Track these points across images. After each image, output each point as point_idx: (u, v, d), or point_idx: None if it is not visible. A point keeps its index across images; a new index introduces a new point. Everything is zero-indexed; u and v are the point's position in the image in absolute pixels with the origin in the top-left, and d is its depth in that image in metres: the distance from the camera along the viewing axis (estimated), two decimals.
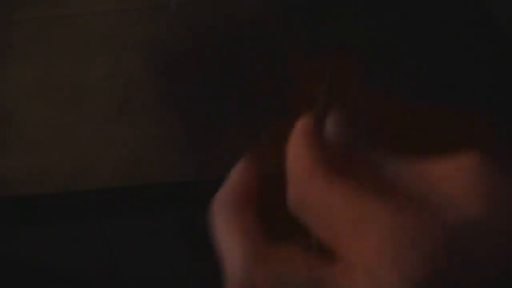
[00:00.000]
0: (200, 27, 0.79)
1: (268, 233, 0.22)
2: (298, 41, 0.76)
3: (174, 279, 0.82)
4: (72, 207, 0.64)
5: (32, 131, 0.66)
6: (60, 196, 0.61)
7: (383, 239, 0.19)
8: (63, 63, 0.74)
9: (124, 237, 0.76)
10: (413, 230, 0.19)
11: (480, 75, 0.71)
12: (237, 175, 0.25)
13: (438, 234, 0.18)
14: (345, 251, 0.20)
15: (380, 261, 0.18)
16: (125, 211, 0.65)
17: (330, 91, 0.27)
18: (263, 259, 0.21)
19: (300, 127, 0.24)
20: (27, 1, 0.84)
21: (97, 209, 0.64)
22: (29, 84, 0.72)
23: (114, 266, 0.81)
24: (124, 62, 0.74)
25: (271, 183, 0.24)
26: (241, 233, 0.22)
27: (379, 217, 0.19)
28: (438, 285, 0.18)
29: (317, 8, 0.81)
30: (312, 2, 0.81)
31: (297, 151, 0.23)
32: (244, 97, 0.69)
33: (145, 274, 0.83)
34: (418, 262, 0.18)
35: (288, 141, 0.24)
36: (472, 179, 0.20)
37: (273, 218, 0.23)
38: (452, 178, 0.21)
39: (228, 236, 0.22)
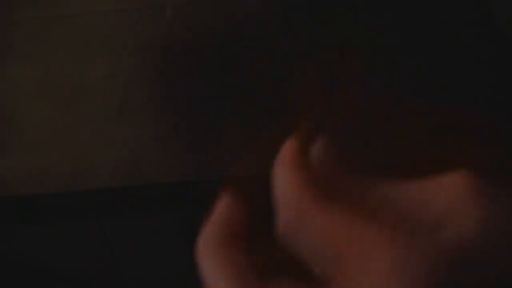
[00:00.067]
0: (200, 27, 0.79)
1: (258, 268, 0.22)
2: (298, 41, 0.76)
3: (174, 279, 0.82)
4: (72, 207, 0.64)
5: (32, 131, 0.66)
6: (60, 196, 0.61)
7: (380, 265, 0.19)
8: (63, 63, 0.74)
9: (124, 237, 0.76)
10: (408, 252, 0.19)
11: (480, 75, 0.71)
12: (223, 210, 0.24)
13: (433, 254, 0.18)
14: (342, 278, 0.19)
15: (379, 286, 0.18)
16: (125, 211, 0.65)
17: (317, 116, 0.27)
18: None
19: (286, 153, 0.24)
20: (27, 1, 0.84)
21: (97, 209, 0.64)
22: (29, 84, 0.72)
23: (114, 266, 0.81)
24: (124, 62, 0.74)
25: (258, 217, 0.24)
26: (229, 269, 0.22)
27: (374, 242, 0.19)
28: None
29: (317, 8, 0.81)
30: (312, 2, 0.82)
31: (284, 178, 0.23)
32: (244, 97, 0.69)
33: (145, 274, 0.83)
34: (415, 284, 0.18)
35: (274, 169, 0.24)
36: (462, 197, 0.20)
37: (262, 252, 0.23)
38: (442, 197, 0.21)
39: (215, 273, 0.22)
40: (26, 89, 0.71)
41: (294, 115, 0.66)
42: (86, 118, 0.67)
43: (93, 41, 0.77)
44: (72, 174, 0.62)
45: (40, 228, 0.73)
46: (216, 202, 0.25)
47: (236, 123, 0.66)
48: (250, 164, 0.61)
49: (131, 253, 0.79)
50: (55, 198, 0.62)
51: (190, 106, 0.68)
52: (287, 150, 0.24)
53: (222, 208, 0.24)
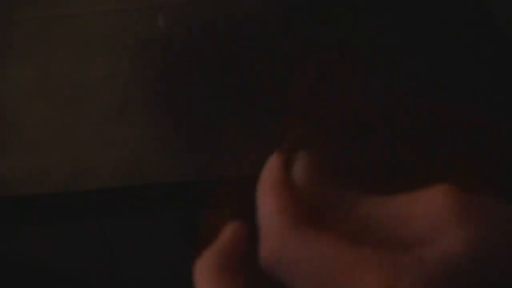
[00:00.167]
0: (200, 27, 0.79)
1: None
2: (298, 41, 0.76)
3: (174, 279, 0.82)
4: (72, 207, 0.64)
5: (32, 131, 0.66)
6: (60, 196, 0.61)
7: None
8: (63, 63, 0.74)
9: (124, 237, 0.76)
10: (395, 275, 0.18)
11: (480, 75, 0.71)
12: (224, 235, 0.24)
13: (420, 275, 0.18)
14: None
15: None
16: (125, 211, 0.65)
17: (299, 137, 0.27)
18: None
19: (270, 171, 0.24)
20: (27, 1, 0.84)
21: (97, 209, 0.64)
22: (29, 84, 0.72)
23: (114, 266, 0.81)
24: (124, 62, 0.74)
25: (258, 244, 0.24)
26: None
27: (360, 266, 0.19)
28: None
29: (317, 8, 0.81)
30: (312, 2, 0.82)
31: (266, 200, 0.23)
32: (244, 97, 0.69)
33: (145, 274, 0.83)
34: None
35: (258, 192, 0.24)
36: (447, 212, 0.20)
37: (261, 280, 0.23)
38: (427, 212, 0.20)
39: None
40: (26, 89, 0.71)
41: (294, 115, 0.66)
42: (86, 118, 0.67)
43: (93, 41, 0.77)
44: (72, 174, 0.62)
45: (40, 228, 0.73)
46: (219, 220, 0.25)
47: (236, 123, 0.66)
48: (250, 164, 0.61)
49: (131, 253, 0.79)
50: (55, 198, 0.62)
51: (190, 106, 0.68)
52: (271, 168, 0.24)
53: (224, 233, 0.24)
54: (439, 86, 0.69)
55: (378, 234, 0.21)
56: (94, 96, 0.70)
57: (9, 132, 0.66)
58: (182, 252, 0.77)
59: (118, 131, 0.66)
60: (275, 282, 0.21)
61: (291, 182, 0.24)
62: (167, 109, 0.68)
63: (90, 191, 0.61)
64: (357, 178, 0.24)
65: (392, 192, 0.23)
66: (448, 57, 0.73)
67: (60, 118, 0.68)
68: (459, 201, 0.20)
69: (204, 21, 0.79)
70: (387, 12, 0.80)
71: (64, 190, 0.61)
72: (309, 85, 0.69)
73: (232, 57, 0.74)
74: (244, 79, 0.71)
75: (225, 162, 0.62)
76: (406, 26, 0.78)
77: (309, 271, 0.20)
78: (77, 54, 0.76)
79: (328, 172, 0.24)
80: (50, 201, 0.62)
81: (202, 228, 0.72)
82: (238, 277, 0.23)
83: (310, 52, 0.74)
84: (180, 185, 0.62)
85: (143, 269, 0.82)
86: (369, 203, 0.22)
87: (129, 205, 0.64)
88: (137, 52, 0.76)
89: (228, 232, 0.25)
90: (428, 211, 0.20)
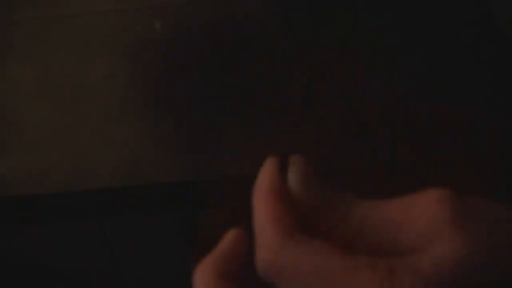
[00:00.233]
0: (200, 27, 0.79)
1: None
2: (298, 41, 0.76)
3: (174, 279, 0.82)
4: (72, 207, 0.64)
5: (32, 131, 0.66)
6: (60, 196, 0.61)
7: None
8: (63, 63, 0.74)
9: (124, 237, 0.76)
10: (389, 282, 0.18)
11: (480, 75, 0.71)
12: (224, 242, 0.25)
13: (414, 281, 0.18)
14: None
15: None
16: (125, 211, 0.65)
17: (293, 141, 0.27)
18: None
19: (264, 177, 0.24)
20: (27, 1, 0.84)
21: (97, 209, 0.64)
22: (29, 84, 0.72)
23: (114, 266, 0.81)
24: (124, 62, 0.74)
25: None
26: None
27: (355, 273, 0.19)
28: None
29: (317, 8, 0.81)
30: (312, 2, 0.82)
31: (261, 208, 0.23)
32: (244, 97, 0.69)
33: (145, 274, 0.83)
34: None
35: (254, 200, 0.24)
36: (441, 217, 0.20)
37: (261, 286, 0.23)
38: (421, 217, 0.20)
39: None
40: (26, 89, 0.71)
41: (294, 115, 0.66)
42: (86, 118, 0.67)
43: (93, 41, 0.77)
44: (72, 174, 0.62)
45: (40, 228, 0.73)
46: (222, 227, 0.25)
47: (236, 123, 0.66)
48: (250, 164, 0.61)
49: (131, 253, 0.79)
50: (55, 198, 0.62)
51: (190, 106, 0.68)
52: (265, 173, 0.24)
53: (224, 239, 0.25)
54: (439, 86, 0.69)
55: (372, 238, 0.21)
56: (94, 96, 0.70)
57: (9, 132, 0.66)
58: (182, 252, 0.77)
59: (118, 131, 0.66)
60: None
61: (285, 187, 0.24)
62: (167, 109, 0.68)
63: (90, 191, 0.61)
64: (355, 179, 0.24)
65: (391, 192, 0.23)
66: (448, 57, 0.73)
67: (60, 118, 0.68)
68: (453, 206, 0.20)
69: (204, 21, 0.79)
70: (387, 12, 0.80)
71: (64, 190, 0.61)
72: (309, 85, 0.69)
73: (232, 57, 0.74)
74: (244, 79, 0.71)
75: (225, 162, 0.62)
76: (406, 26, 0.78)
77: (304, 280, 0.20)
78: (77, 54, 0.76)
79: (323, 175, 0.24)
80: (50, 201, 0.62)
81: (202, 228, 0.72)
82: (237, 284, 0.23)
83: (310, 52, 0.74)
84: (180, 185, 0.62)
85: (143, 269, 0.82)
86: (363, 207, 0.22)
87: (129, 205, 0.64)
88: (137, 52, 0.76)
89: (228, 238, 0.25)
90: (422, 216, 0.20)
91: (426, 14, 0.79)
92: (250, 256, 0.23)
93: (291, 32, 0.77)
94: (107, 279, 0.83)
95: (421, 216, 0.20)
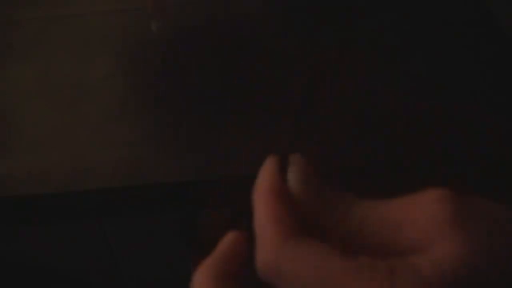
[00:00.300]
0: (200, 27, 0.79)
1: None
2: (298, 41, 0.76)
3: (174, 279, 0.82)
4: (72, 207, 0.64)
5: (32, 131, 0.66)
6: (60, 196, 0.61)
7: None
8: (63, 63, 0.74)
9: (124, 237, 0.76)
10: (389, 283, 0.18)
11: (480, 75, 0.71)
12: (223, 245, 0.25)
13: (414, 282, 0.18)
14: None
15: None
16: (125, 211, 0.65)
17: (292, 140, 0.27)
18: None
19: (264, 177, 0.24)
20: (27, 1, 0.84)
21: (97, 209, 0.64)
22: (29, 84, 0.72)
23: (114, 266, 0.81)
24: (124, 62, 0.74)
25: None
26: None
27: (354, 274, 0.19)
28: None
29: (317, 8, 0.81)
30: (312, 2, 0.82)
31: (261, 213, 0.23)
32: (244, 97, 0.69)
33: (145, 274, 0.83)
34: None
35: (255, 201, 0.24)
36: (440, 218, 0.20)
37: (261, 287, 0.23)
38: (421, 217, 0.20)
39: None
40: (26, 89, 0.71)
41: (293, 114, 0.66)
42: (86, 118, 0.67)
43: (93, 41, 0.77)
44: (72, 174, 0.62)
45: (40, 228, 0.73)
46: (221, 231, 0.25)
47: (236, 123, 0.66)
48: (250, 164, 0.61)
49: (131, 253, 0.79)
50: (55, 198, 0.62)
51: (190, 106, 0.68)
52: (265, 173, 0.24)
53: (223, 242, 0.25)
54: (439, 86, 0.69)
55: (372, 238, 0.21)
56: (94, 96, 0.70)
57: (9, 132, 0.66)
58: (182, 252, 0.77)
59: (118, 131, 0.66)
60: None
61: (285, 187, 0.24)
62: (167, 109, 0.68)
63: (90, 191, 0.61)
64: (355, 179, 0.24)
65: (391, 192, 0.23)
66: (448, 57, 0.73)
67: (60, 118, 0.68)
68: (453, 207, 0.20)
69: (204, 21, 0.79)
70: (387, 12, 0.80)
71: (64, 190, 0.61)
72: (309, 85, 0.69)
73: (232, 57, 0.74)
74: (244, 79, 0.71)
75: (225, 162, 0.62)
76: (406, 26, 0.78)
77: (304, 281, 0.20)
78: (77, 54, 0.76)
79: (323, 175, 0.24)
80: (50, 201, 0.62)
81: (202, 228, 0.72)
82: (236, 285, 0.23)
83: (310, 52, 0.74)
84: (180, 185, 0.62)
85: (143, 269, 0.82)
86: (363, 207, 0.22)
87: (129, 205, 0.64)
88: (137, 52, 0.76)
89: (227, 240, 0.25)
90: (422, 216, 0.20)
91: (426, 14, 0.79)
92: (250, 257, 0.23)
93: (291, 32, 0.77)
94: (107, 279, 0.83)
95: (421, 216, 0.20)
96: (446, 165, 0.61)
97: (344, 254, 0.20)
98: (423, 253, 0.19)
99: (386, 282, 0.18)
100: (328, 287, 0.19)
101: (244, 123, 0.66)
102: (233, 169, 0.61)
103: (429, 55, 0.73)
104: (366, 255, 0.20)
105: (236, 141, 0.64)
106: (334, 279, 0.19)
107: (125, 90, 0.71)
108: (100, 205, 0.64)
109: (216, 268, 0.23)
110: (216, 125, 0.66)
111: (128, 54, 0.75)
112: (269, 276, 0.21)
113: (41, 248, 0.77)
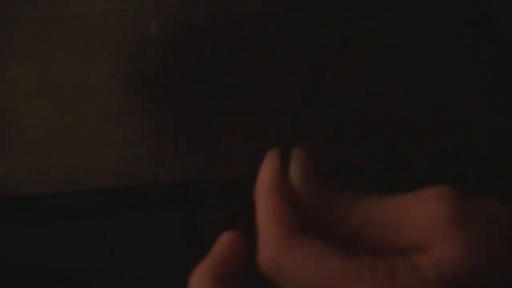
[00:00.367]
0: (200, 27, 0.79)
1: None
2: (298, 41, 0.76)
3: (174, 279, 0.82)
4: (72, 207, 0.64)
5: (32, 131, 0.66)
6: (60, 196, 0.61)
7: None
8: (63, 63, 0.74)
9: (124, 237, 0.76)
10: (390, 283, 0.18)
11: (480, 75, 0.71)
12: (219, 246, 0.25)
13: (414, 282, 0.18)
14: None
15: None
16: (125, 211, 0.65)
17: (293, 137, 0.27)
18: None
19: (266, 175, 0.24)
20: (27, 1, 0.84)
21: (97, 209, 0.64)
22: (29, 84, 0.72)
23: (114, 266, 0.81)
24: (124, 62, 0.74)
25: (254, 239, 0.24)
26: None
27: (355, 274, 0.19)
28: None
29: (317, 8, 0.81)
30: (312, 2, 0.82)
31: (262, 211, 0.23)
32: (244, 97, 0.69)
33: (145, 274, 0.83)
34: None
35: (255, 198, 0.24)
36: (441, 216, 0.20)
37: (262, 286, 0.23)
38: (422, 215, 0.20)
39: None
40: (26, 89, 0.71)
41: (293, 114, 0.66)
42: (86, 118, 0.67)
43: (93, 41, 0.77)
44: (72, 174, 0.62)
45: (40, 228, 0.73)
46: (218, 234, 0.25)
47: (236, 123, 0.66)
48: (249, 164, 0.61)
49: (131, 253, 0.79)
50: (55, 198, 0.62)
51: (190, 106, 0.68)
52: (266, 170, 0.24)
53: (219, 243, 0.25)
54: (439, 86, 0.69)
55: (372, 237, 0.21)
56: (94, 96, 0.70)
57: (9, 132, 0.66)
58: (182, 252, 0.77)
59: (118, 131, 0.66)
60: None
61: (287, 185, 0.24)
62: (167, 109, 0.68)
63: (90, 191, 0.61)
64: (355, 178, 0.24)
65: (391, 192, 0.23)
66: (448, 57, 0.73)
67: (60, 118, 0.68)
68: (453, 206, 0.20)
69: (204, 21, 0.79)
70: (387, 12, 0.80)
71: (64, 190, 0.61)
72: (309, 85, 0.69)
73: (232, 57, 0.74)
74: (244, 79, 0.71)
75: (226, 162, 0.62)
76: (406, 26, 0.77)
77: (305, 280, 0.20)
78: (77, 54, 0.76)
79: (323, 175, 0.24)
80: (50, 201, 0.62)
81: (202, 228, 0.72)
82: (232, 287, 0.23)
83: (310, 52, 0.74)
84: (180, 185, 0.62)
85: (143, 269, 0.82)
86: (363, 206, 0.22)
87: (129, 205, 0.64)
88: (137, 52, 0.76)
89: (222, 242, 0.25)
90: (422, 216, 0.20)
91: (426, 14, 0.79)
92: (250, 257, 0.23)
93: (291, 32, 0.77)
94: (107, 279, 0.83)
95: (422, 215, 0.20)
96: (446, 165, 0.61)
97: (345, 254, 0.20)
98: (423, 253, 0.19)
99: (386, 282, 0.18)
100: (329, 286, 0.19)
101: (244, 123, 0.66)
102: (233, 169, 0.61)
103: (429, 55, 0.73)
104: (366, 254, 0.20)
105: (236, 141, 0.64)
106: (334, 279, 0.19)
107: (125, 90, 0.71)
108: (100, 205, 0.64)
109: (213, 269, 0.23)
110: (216, 125, 0.66)
111: (128, 54, 0.75)
112: (270, 274, 0.21)
113: (41, 248, 0.77)
